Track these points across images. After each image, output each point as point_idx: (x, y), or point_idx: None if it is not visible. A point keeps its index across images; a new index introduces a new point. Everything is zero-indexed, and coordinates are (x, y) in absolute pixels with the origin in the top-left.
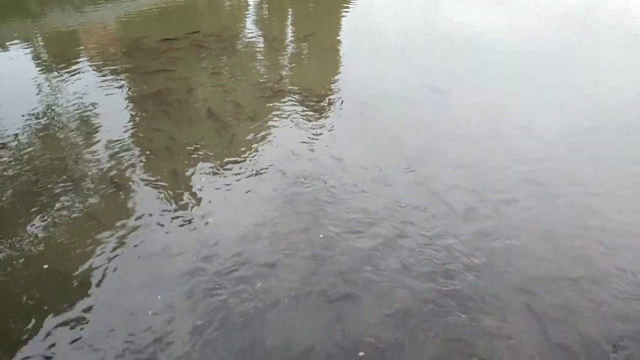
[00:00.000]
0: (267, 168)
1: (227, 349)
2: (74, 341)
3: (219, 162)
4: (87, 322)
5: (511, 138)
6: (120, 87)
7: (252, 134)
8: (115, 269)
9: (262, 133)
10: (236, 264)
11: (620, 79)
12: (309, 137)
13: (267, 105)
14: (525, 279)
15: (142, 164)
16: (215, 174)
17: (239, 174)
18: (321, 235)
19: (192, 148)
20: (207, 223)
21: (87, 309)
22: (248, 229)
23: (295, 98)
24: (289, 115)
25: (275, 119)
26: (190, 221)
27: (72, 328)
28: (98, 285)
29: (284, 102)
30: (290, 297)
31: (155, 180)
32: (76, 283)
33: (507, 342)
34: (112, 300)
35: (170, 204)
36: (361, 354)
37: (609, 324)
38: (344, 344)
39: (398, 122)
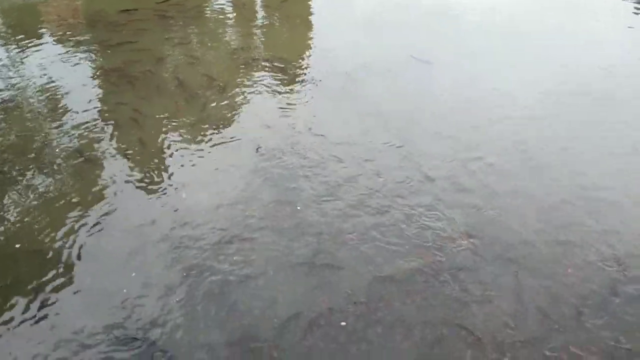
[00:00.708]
0: (242, 140)
1: (208, 320)
2: (46, 319)
3: (191, 134)
4: (61, 301)
5: (496, 107)
6: (83, 59)
7: (225, 105)
8: (89, 245)
9: (236, 104)
10: (214, 236)
11: (600, 50)
12: (285, 109)
13: (240, 75)
14: (509, 247)
15: (110, 138)
16: (187, 146)
17: (213, 145)
18: (298, 207)
19: (162, 120)
20: (182, 197)
21: (62, 287)
22: (224, 201)
23: (269, 68)
24: (263, 86)
25: (249, 89)
26: (164, 194)
27: (45, 306)
28: (72, 262)
29: (258, 72)
30: (271, 267)
31: (126, 154)
32: (50, 261)
33: (488, 308)
34: (87, 277)
35: (143, 177)
36: (343, 323)
37: (584, 288)
38: (326, 313)
39: (380, 93)
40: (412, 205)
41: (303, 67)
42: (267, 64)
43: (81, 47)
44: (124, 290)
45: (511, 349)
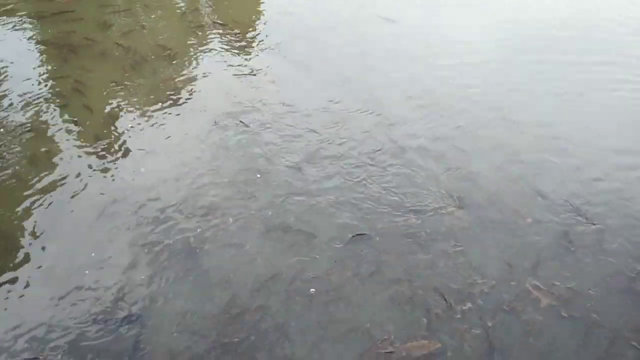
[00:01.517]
0: (198, 108)
1: (177, 294)
2: (8, 299)
3: (144, 104)
4: (23, 283)
5: (457, 61)
6: (19, 31)
7: (177, 73)
8: (47, 227)
9: (190, 71)
10: (176, 211)
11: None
12: (243, 76)
13: (191, 41)
14: (480, 205)
15: (59, 111)
16: (142, 116)
17: (167, 115)
18: (258, 175)
19: (112, 90)
20: (141, 170)
21: (19, 266)
22: (184, 173)
23: (223, 33)
24: (218, 52)
25: (203, 56)
26: (121, 167)
27: (7, 291)
28: (32, 244)
29: (211, 37)
30: (238, 237)
31: (78, 130)
32: (8, 245)
33: (456, 264)
34: (48, 258)
35: (98, 152)
36: (312, 290)
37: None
38: (295, 282)
39: (342, 53)
40: (383, 170)
41: (260, 30)
42: (221, 29)
43: (12, 19)
44: (86, 272)
45: (473, 296)
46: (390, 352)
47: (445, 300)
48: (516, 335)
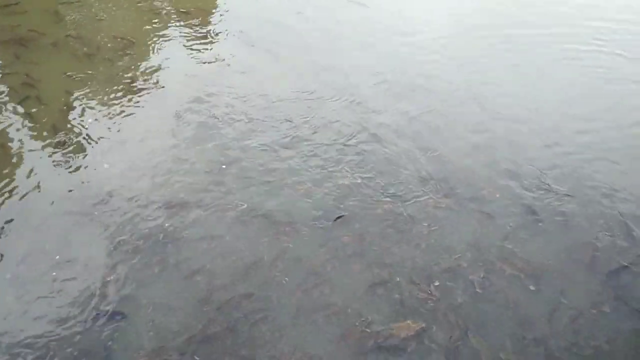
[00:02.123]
0: (160, 99)
1: (152, 288)
2: None
3: (103, 96)
4: None
5: (417, 33)
6: None
7: (136, 63)
8: (7, 227)
9: (149, 61)
10: (143, 205)
11: None
12: (204, 64)
13: (150, 29)
14: (451, 183)
15: (12, 107)
16: (101, 109)
17: (128, 107)
18: (224, 167)
19: (68, 82)
20: (105, 166)
21: None
22: (149, 166)
23: (182, 19)
24: (178, 39)
25: (162, 44)
26: (83, 164)
27: None
28: None
29: (170, 25)
30: (213, 227)
31: (37, 126)
32: None
33: (430, 244)
34: (12, 266)
35: (58, 149)
36: (285, 280)
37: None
38: (274, 268)
39: (311, 39)
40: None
41: (224, 17)
42: (182, 16)
43: None
44: (53, 274)
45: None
46: (376, 333)
47: (420, 280)
48: (489, 311)
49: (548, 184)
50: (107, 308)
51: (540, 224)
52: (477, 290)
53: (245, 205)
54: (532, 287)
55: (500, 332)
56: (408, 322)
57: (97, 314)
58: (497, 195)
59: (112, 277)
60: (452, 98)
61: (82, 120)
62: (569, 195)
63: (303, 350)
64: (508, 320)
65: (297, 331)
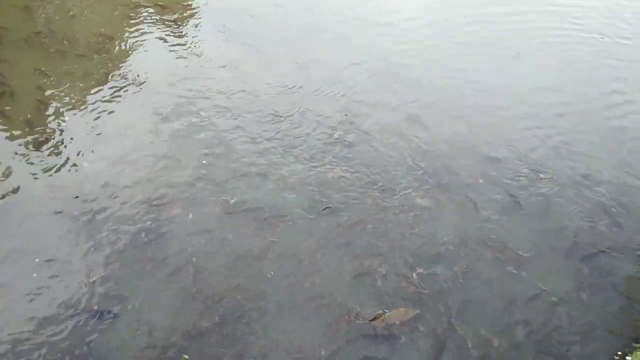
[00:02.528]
0: (140, 96)
1: (140, 286)
2: None
3: (81, 92)
4: None
5: (397, 31)
6: None
7: (112, 58)
8: None
9: (125, 55)
10: (124, 204)
11: None
12: (183, 57)
13: (127, 24)
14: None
15: None
16: (80, 105)
17: (107, 104)
18: (204, 162)
19: (44, 79)
20: (84, 165)
21: None
22: (132, 163)
23: (161, 14)
24: (158, 34)
25: (140, 39)
26: (63, 162)
27: None
28: None
29: (148, 19)
30: (200, 220)
31: (12, 125)
32: None
33: (414, 233)
34: None
35: (36, 148)
36: (270, 274)
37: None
38: (263, 260)
39: (292, 31)
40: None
41: (203, 10)
42: (156, 8)
43: None
44: (34, 275)
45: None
46: (374, 320)
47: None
48: (474, 296)
49: (528, 169)
50: (94, 307)
51: (521, 210)
52: (461, 272)
53: (229, 199)
54: (514, 271)
55: (484, 314)
56: (402, 309)
57: (77, 314)
58: (480, 181)
59: (94, 277)
60: (430, 85)
61: (59, 119)
62: (550, 178)
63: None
64: (491, 305)
65: (286, 321)
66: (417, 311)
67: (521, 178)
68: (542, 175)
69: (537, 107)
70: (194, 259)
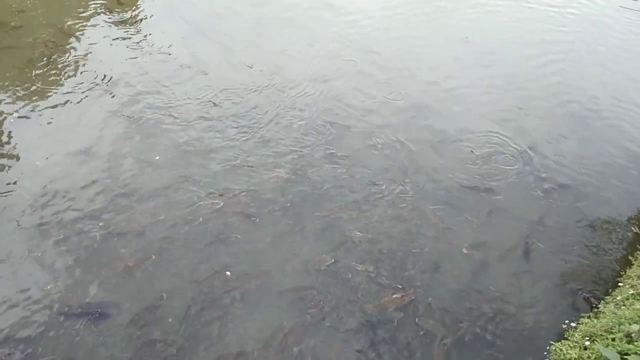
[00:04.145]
0: (94, 92)
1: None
2: None
3: (30, 89)
4: None
5: (355, 20)
6: None
7: (66, 55)
8: None
9: (80, 53)
10: (82, 202)
11: None
12: (135, 50)
13: (79, 18)
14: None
15: None
16: (29, 103)
17: (59, 101)
18: (157, 158)
19: None
20: (37, 164)
21: None
22: (88, 160)
23: (114, 8)
24: (112, 29)
25: (95, 35)
26: (14, 163)
27: None
28: None
29: (102, 14)
30: (165, 216)
31: None
32: None
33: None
34: None
35: None
36: (228, 273)
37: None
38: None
39: (270, 29)
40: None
41: (153, 4)
42: (113, 4)
43: None
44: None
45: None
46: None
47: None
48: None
49: (477, 155)
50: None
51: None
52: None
53: (187, 194)
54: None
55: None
56: (397, 295)
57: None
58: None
59: (51, 284)
60: (385, 68)
61: (5, 117)
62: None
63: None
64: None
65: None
66: (412, 297)
67: (471, 166)
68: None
69: (487, 89)
70: (154, 256)
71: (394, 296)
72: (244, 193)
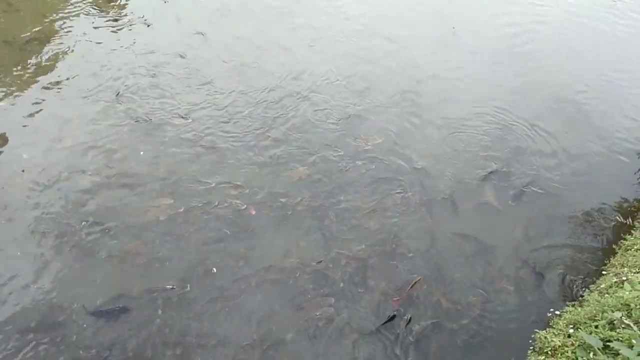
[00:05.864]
0: (79, 84)
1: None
2: None
3: (14, 83)
4: None
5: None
6: None
7: (50, 52)
8: None
9: (60, 49)
10: (70, 195)
11: None
12: (115, 50)
13: (67, 14)
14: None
15: None
16: (11, 97)
17: (46, 96)
18: (142, 153)
19: None
20: (24, 156)
21: None
22: (73, 154)
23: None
24: (97, 23)
25: (83, 33)
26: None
27: None
28: None
29: (89, 11)
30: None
31: None
32: None
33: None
34: None
35: None
36: (214, 270)
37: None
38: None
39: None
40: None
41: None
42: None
43: None
44: None
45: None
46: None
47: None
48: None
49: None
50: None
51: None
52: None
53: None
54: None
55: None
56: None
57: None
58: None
59: (38, 282)
60: (377, 60)
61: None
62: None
63: None
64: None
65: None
66: (420, 277)
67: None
68: None
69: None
70: (134, 250)
71: None
72: None
